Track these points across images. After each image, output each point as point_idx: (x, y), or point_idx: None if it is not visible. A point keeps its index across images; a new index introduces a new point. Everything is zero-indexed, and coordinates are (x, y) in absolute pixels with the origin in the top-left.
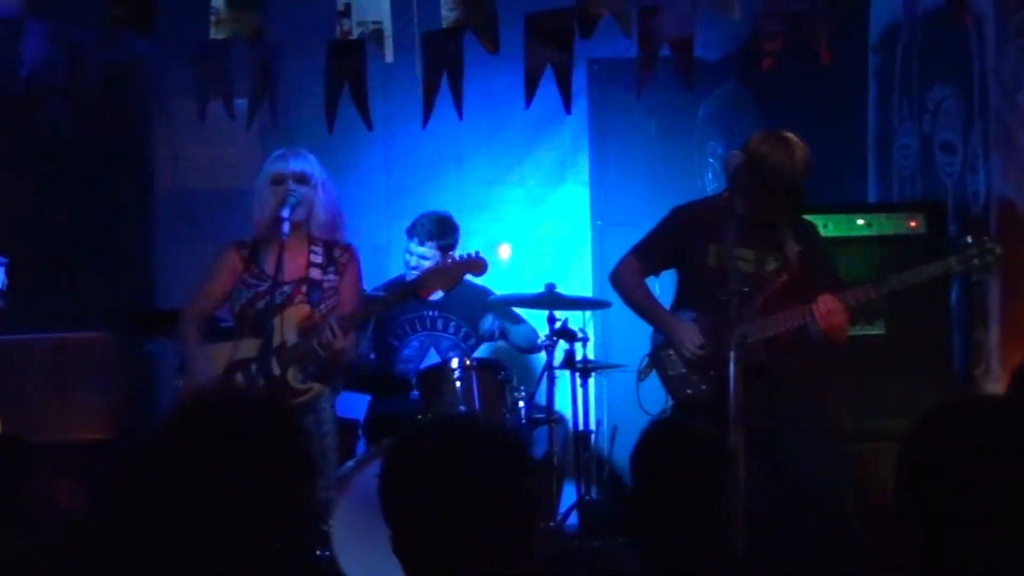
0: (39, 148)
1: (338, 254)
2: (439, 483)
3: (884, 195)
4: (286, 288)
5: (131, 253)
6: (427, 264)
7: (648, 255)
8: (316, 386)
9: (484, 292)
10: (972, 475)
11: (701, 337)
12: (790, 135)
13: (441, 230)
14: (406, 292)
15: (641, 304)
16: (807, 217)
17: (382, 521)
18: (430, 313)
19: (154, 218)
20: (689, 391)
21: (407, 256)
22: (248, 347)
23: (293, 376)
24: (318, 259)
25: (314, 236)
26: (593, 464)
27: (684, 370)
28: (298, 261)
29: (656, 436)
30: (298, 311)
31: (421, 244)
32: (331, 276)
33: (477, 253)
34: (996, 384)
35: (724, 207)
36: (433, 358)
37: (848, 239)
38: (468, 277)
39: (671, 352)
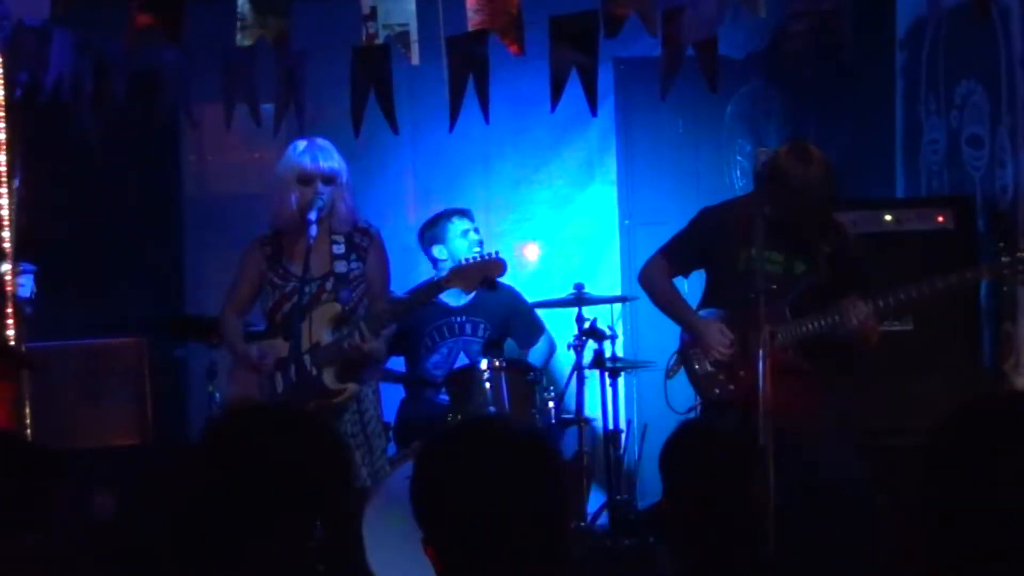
0: (66, 156)
1: (359, 239)
2: (470, 484)
3: (912, 190)
4: (311, 286)
5: (160, 259)
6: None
7: (676, 257)
8: (351, 386)
9: (511, 293)
10: (997, 473)
11: (730, 338)
12: (813, 149)
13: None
14: (431, 290)
15: (669, 304)
16: (837, 216)
17: (413, 522)
18: (458, 319)
19: (182, 224)
20: (717, 390)
21: (461, 241)
22: (280, 347)
23: (329, 376)
24: (340, 250)
25: (335, 230)
26: (623, 464)
27: (712, 369)
28: (321, 256)
29: (685, 437)
30: (329, 310)
31: (468, 218)
32: (355, 264)
33: (496, 253)
34: None
35: (752, 209)
36: (463, 363)
37: (876, 235)
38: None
39: (699, 351)
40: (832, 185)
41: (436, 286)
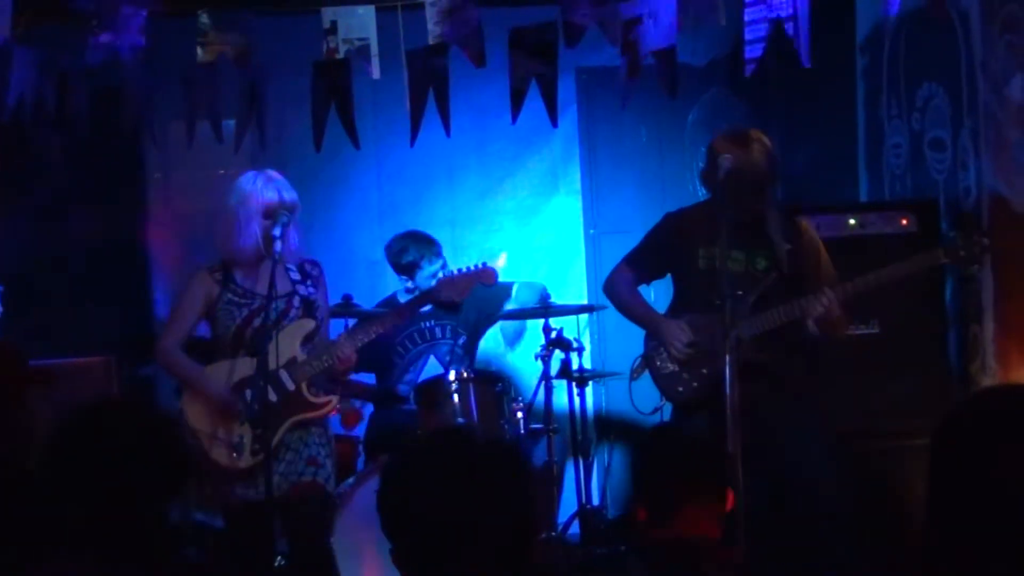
0: (31, 175)
1: (309, 268)
2: (437, 496)
3: (875, 194)
4: (278, 303)
5: (126, 277)
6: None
7: (639, 263)
8: (334, 399)
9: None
10: (1000, 468)
11: (690, 335)
12: (752, 132)
13: (430, 240)
14: (421, 301)
15: (633, 310)
16: (798, 217)
17: (383, 535)
18: (427, 324)
19: (147, 241)
20: (680, 389)
21: (428, 281)
22: (246, 365)
23: (308, 390)
24: (296, 276)
25: (286, 258)
26: (593, 472)
27: (675, 368)
28: (280, 278)
29: (652, 444)
30: (302, 326)
31: (439, 256)
32: (311, 289)
33: (485, 264)
34: (992, 379)
35: (712, 211)
36: (432, 365)
37: (840, 239)
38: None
39: (663, 352)
40: (772, 166)
41: (426, 296)
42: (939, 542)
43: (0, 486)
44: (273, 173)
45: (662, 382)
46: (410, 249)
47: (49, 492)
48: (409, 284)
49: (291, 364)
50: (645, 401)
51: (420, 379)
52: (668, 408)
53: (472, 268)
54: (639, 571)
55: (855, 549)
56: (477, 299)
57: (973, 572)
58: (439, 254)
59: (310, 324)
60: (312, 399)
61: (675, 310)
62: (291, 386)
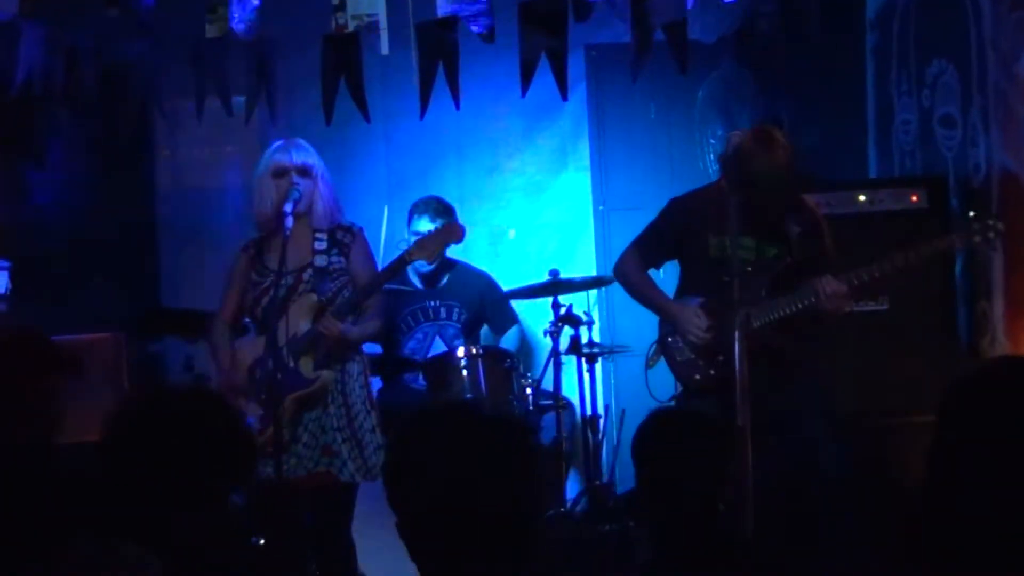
0: (39, 151)
1: (341, 235)
2: (442, 468)
3: (885, 171)
4: (288, 278)
5: (134, 254)
6: None
7: (648, 249)
8: (325, 374)
9: (484, 277)
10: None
11: (706, 321)
12: (776, 134)
13: (444, 209)
14: (394, 267)
15: (645, 295)
16: (808, 197)
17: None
18: (432, 303)
19: (156, 217)
20: (697, 376)
21: (414, 238)
22: (261, 344)
23: (306, 366)
24: (322, 246)
25: (314, 226)
26: (602, 449)
27: (691, 356)
28: (301, 250)
29: (656, 422)
30: (306, 301)
31: (432, 221)
32: (337, 259)
33: (450, 221)
34: None
35: (721, 196)
36: (439, 347)
37: (850, 216)
38: (455, 254)
39: (678, 338)
40: (794, 169)
41: (400, 260)
42: (940, 506)
43: (24, 473)
44: (299, 140)
45: (678, 368)
46: (419, 202)
47: (111, 480)
48: (406, 235)
49: (292, 340)
50: (661, 387)
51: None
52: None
53: (439, 226)
54: (646, 547)
55: (863, 527)
56: (476, 284)
57: (974, 537)
58: (434, 219)
59: (312, 299)
60: (307, 375)
61: (683, 293)
62: (290, 362)
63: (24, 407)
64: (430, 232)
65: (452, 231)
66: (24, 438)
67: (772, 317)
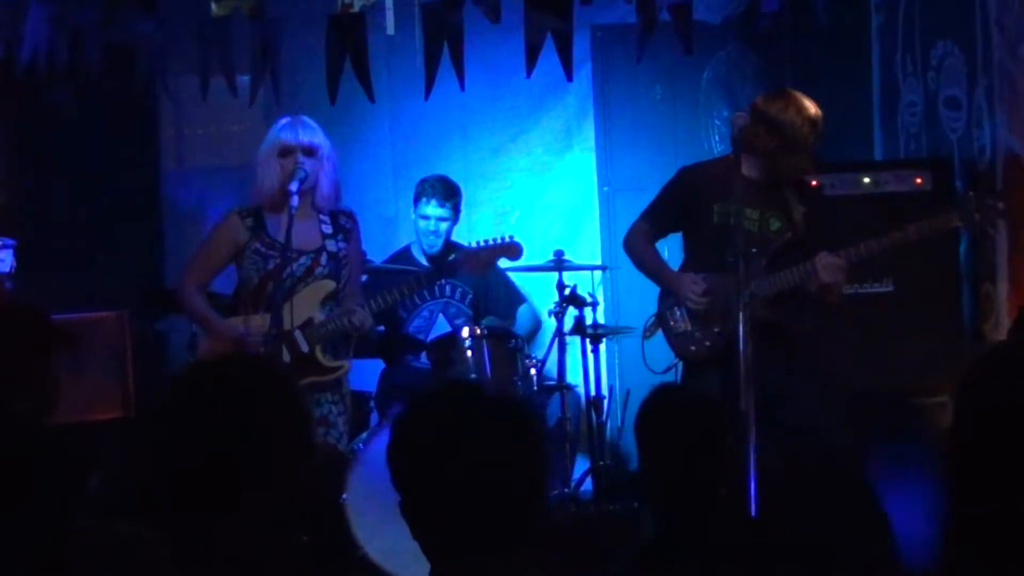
0: (44, 130)
1: (343, 221)
2: (447, 448)
3: (890, 153)
4: (304, 260)
5: (139, 233)
6: (445, 226)
7: (656, 217)
8: (345, 364)
9: None
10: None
11: (703, 286)
12: (797, 93)
13: (452, 190)
14: (441, 273)
15: (649, 265)
16: (815, 179)
17: (393, 489)
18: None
19: (160, 197)
20: (693, 348)
21: (422, 221)
22: (262, 321)
23: (321, 353)
24: (328, 229)
25: (318, 206)
26: (606, 430)
27: (688, 328)
28: (310, 232)
29: (659, 401)
30: (324, 286)
31: (441, 205)
32: (342, 244)
33: (512, 237)
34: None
35: (729, 168)
36: (442, 325)
37: (854, 197)
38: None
39: (676, 311)
40: (817, 126)
41: (449, 268)
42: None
43: (23, 445)
44: (305, 118)
45: (674, 341)
46: (426, 183)
47: (161, 453)
48: (411, 216)
49: (307, 325)
50: (658, 360)
51: (431, 338)
52: (680, 366)
53: (497, 241)
54: (651, 527)
55: (866, 507)
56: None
57: (995, 522)
58: (443, 203)
59: (330, 285)
60: (324, 363)
61: (687, 268)
62: (305, 348)
63: (19, 383)
64: (487, 245)
65: (512, 249)
66: (20, 414)
67: (769, 291)
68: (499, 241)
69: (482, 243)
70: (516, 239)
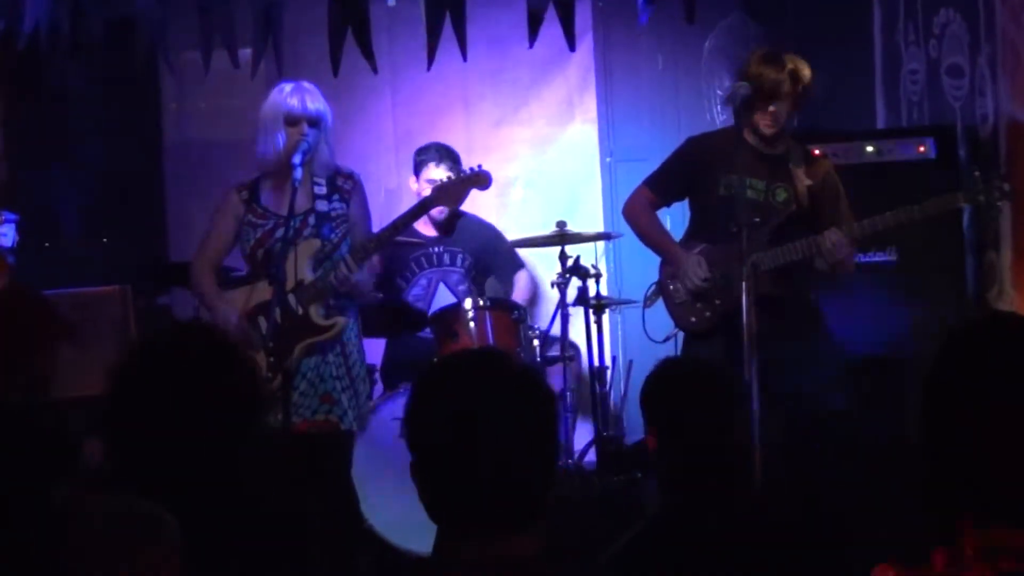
0: (46, 104)
1: (341, 182)
2: (467, 413)
3: (892, 121)
4: (294, 222)
5: (141, 206)
6: None
7: (660, 186)
8: (340, 320)
9: (488, 226)
10: (996, 393)
11: (706, 270)
12: (787, 56)
13: (451, 154)
14: (415, 212)
15: (651, 235)
16: (818, 149)
17: (399, 461)
18: (436, 249)
19: (163, 170)
20: (693, 319)
21: (419, 185)
22: (264, 290)
23: (315, 313)
24: (322, 191)
25: (314, 172)
26: (609, 400)
27: (688, 298)
28: (302, 195)
29: (665, 371)
30: (309, 245)
31: (438, 165)
32: (338, 204)
33: (480, 166)
34: (1009, 306)
35: (737, 138)
36: (443, 294)
37: (857, 166)
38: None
39: (677, 280)
40: (808, 82)
41: (422, 205)
42: (936, 460)
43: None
44: (306, 84)
45: (675, 310)
46: (430, 149)
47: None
48: (415, 186)
49: (298, 287)
50: (658, 329)
51: (433, 309)
52: (681, 336)
53: (465, 172)
54: (655, 498)
55: (867, 477)
56: (482, 232)
57: (971, 495)
58: (451, 167)
59: (315, 244)
60: (319, 322)
61: (691, 237)
62: (299, 310)
63: (15, 363)
64: (454, 177)
65: (479, 177)
66: (16, 394)
67: (773, 263)
68: (467, 172)
69: (451, 177)
70: (484, 168)
